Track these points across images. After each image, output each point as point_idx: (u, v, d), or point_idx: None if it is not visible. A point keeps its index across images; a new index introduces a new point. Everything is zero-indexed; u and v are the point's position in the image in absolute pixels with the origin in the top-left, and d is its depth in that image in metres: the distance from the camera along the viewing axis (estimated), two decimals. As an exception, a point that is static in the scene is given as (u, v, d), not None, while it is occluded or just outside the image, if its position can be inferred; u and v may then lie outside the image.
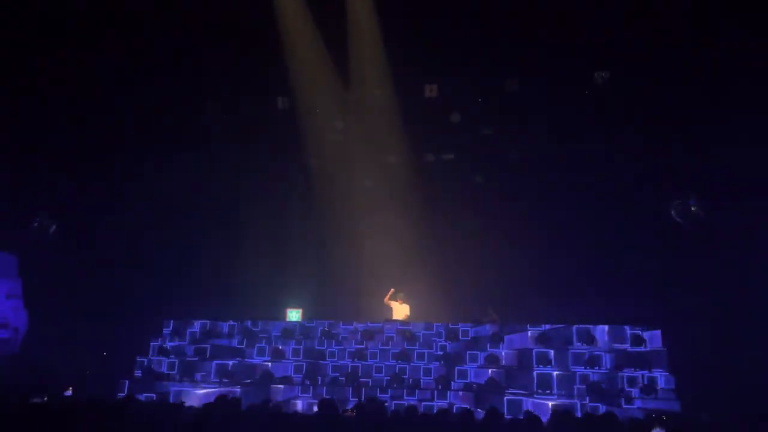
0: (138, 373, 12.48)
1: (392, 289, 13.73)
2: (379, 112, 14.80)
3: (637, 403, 10.37)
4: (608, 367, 11.18)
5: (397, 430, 5.43)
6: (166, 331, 13.50)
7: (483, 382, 11.50)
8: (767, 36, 11.33)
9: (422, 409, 10.24)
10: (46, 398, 7.95)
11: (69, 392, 9.57)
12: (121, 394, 11.38)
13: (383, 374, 12.02)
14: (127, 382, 11.98)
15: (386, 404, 9.49)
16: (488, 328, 12.53)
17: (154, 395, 11.16)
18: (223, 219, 15.05)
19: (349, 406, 9.27)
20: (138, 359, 12.73)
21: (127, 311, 13.88)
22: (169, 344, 13.19)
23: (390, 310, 13.73)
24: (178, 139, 14.95)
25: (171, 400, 10.33)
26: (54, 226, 12.53)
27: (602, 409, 9.93)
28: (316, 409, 9.37)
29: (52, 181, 14.21)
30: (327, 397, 10.44)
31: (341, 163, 15.49)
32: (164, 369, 12.75)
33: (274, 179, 15.58)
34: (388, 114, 14.68)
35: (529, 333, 12.27)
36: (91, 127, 14.38)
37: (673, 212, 11.70)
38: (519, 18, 13.00)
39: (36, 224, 12.37)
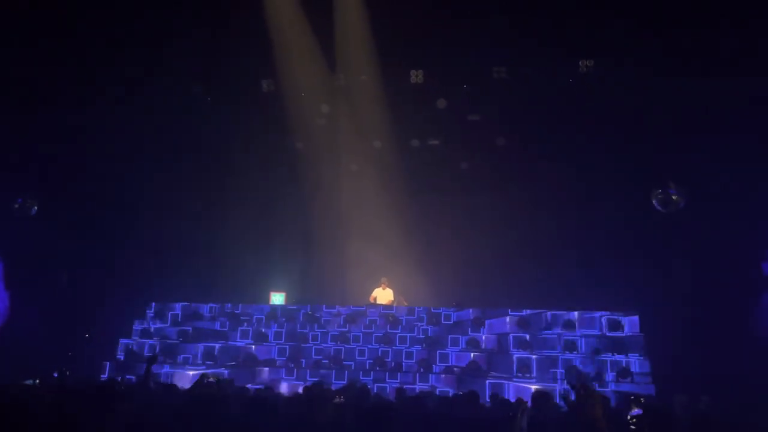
0: (121, 356, 12.51)
1: (374, 294, 13.82)
2: (366, 96, 14.76)
3: (612, 387, 10.66)
4: (585, 351, 11.45)
5: (380, 413, 5.53)
6: (149, 313, 13.50)
7: (464, 365, 11.72)
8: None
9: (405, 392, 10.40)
10: (37, 381, 7.97)
11: (56, 374, 9.58)
12: (103, 376, 11.44)
13: (366, 357, 12.17)
14: (108, 364, 12.03)
15: (369, 387, 9.63)
16: (470, 313, 12.72)
17: (136, 377, 11.20)
18: (207, 201, 14.99)
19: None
20: (121, 341, 12.76)
21: (110, 293, 13.84)
22: (152, 326, 13.21)
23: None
24: (163, 122, 14.79)
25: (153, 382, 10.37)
26: (36, 207, 12.38)
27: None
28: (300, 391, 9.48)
29: (34, 160, 14.07)
30: (312, 380, 10.58)
31: (327, 146, 15.45)
32: (147, 351, 12.79)
33: (258, 162, 15.49)
34: (374, 99, 14.66)
35: (509, 318, 12.53)
36: (76, 106, 14.18)
37: (654, 201, 11.89)
38: (507, 4, 13.01)
39: (18, 205, 12.22)
